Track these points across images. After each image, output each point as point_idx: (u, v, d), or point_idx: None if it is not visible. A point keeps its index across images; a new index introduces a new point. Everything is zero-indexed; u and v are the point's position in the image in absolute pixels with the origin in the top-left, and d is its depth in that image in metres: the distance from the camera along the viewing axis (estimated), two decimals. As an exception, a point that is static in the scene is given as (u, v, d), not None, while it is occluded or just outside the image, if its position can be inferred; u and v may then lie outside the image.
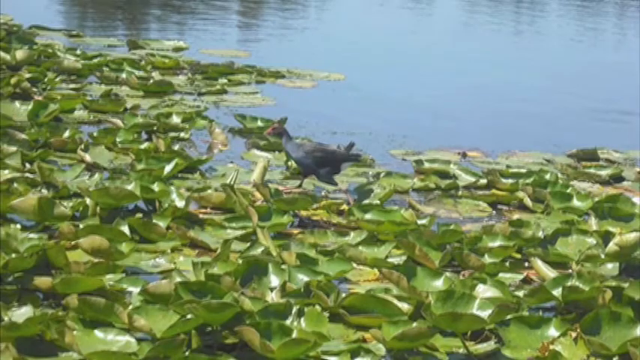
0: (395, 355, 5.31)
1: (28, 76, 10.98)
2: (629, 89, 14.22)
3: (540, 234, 7.05)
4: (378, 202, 7.82)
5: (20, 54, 11.74)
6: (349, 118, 11.09)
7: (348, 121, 10.84)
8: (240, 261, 6.19)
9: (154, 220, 6.83)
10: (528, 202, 8.12)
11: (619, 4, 27.29)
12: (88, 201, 7.00)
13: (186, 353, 5.00)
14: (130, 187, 7.21)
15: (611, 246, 6.60)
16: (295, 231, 7.16)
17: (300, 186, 8.21)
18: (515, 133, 11.20)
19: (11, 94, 10.28)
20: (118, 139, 8.92)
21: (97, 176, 7.71)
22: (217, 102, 11.26)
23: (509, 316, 5.57)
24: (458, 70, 15.15)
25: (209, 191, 7.56)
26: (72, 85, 11.28)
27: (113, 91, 10.97)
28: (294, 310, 5.47)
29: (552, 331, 5.54)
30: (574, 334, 5.48)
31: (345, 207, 7.70)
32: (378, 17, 22.09)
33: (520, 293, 6.06)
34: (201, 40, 15.79)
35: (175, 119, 9.89)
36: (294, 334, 5.21)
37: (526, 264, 6.79)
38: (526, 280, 6.52)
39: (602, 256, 6.65)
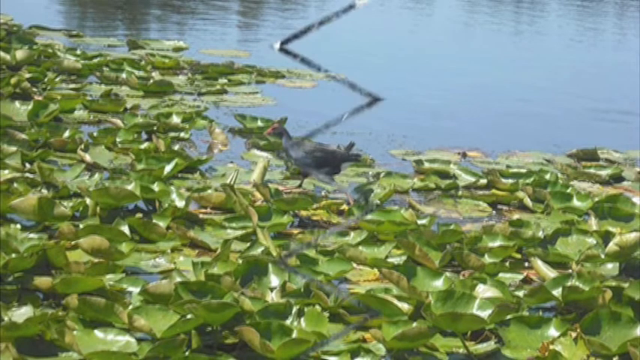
0: (395, 355, 5.30)
1: (28, 76, 10.98)
2: (629, 89, 14.22)
3: (540, 234, 7.05)
4: (378, 202, 7.82)
5: (20, 54, 11.74)
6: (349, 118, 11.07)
7: (348, 121, 10.81)
8: (240, 261, 6.19)
9: (154, 220, 6.82)
10: (528, 202, 8.12)
11: (619, 4, 27.27)
12: (88, 201, 7.00)
13: (186, 353, 4.99)
14: (130, 187, 7.20)
15: (611, 246, 6.60)
16: (295, 231, 7.16)
17: (300, 186, 8.20)
18: (515, 133, 11.20)
19: (11, 94, 10.27)
20: (118, 139, 8.92)
21: (97, 176, 7.70)
22: (217, 102, 11.25)
23: (509, 316, 5.57)
24: (458, 70, 15.14)
25: (209, 191, 7.56)
26: (72, 85, 11.26)
27: (113, 91, 10.96)
28: (294, 310, 5.47)
29: (552, 331, 5.54)
30: (574, 334, 5.47)
31: (345, 207, 7.70)
32: (378, 17, 22.08)
33: (520, 293, 6.05)
34: (201, 40, 15.78)
35: (175, 119, 9.88)
36: (294, 334, 5.21)
37: (526, 264, 6.78)
38: (526, 280, 6.51)
39: (602, 256, 6.65)
